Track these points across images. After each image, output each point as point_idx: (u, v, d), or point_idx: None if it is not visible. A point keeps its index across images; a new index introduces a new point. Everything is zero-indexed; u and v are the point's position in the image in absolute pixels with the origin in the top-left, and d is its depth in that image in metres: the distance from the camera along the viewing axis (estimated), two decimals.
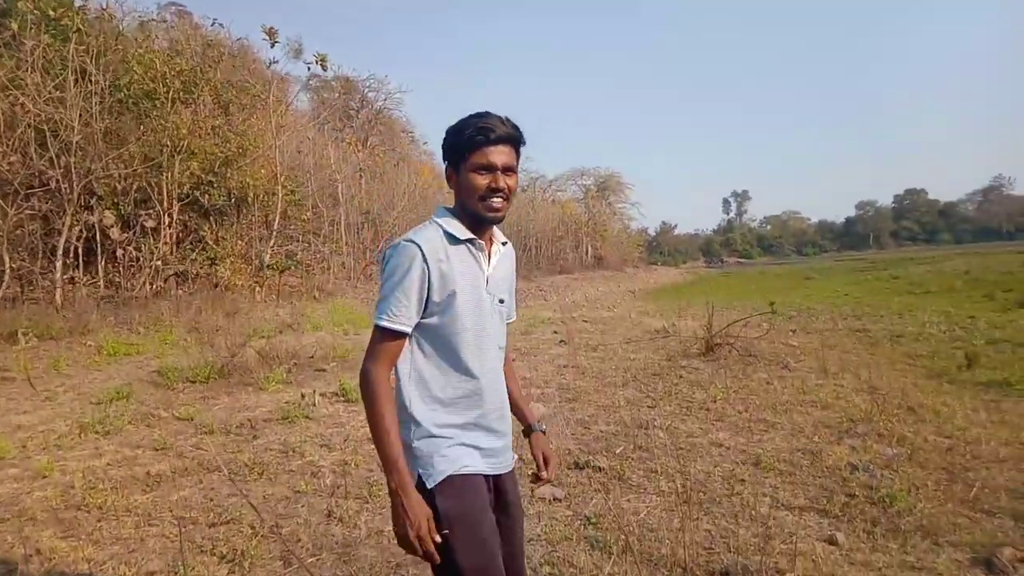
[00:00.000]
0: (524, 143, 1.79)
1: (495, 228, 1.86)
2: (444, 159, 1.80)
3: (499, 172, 1.70)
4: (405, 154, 35.37)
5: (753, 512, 3.47)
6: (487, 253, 1.80)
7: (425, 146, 42.19)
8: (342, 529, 3.44)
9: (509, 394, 1.95)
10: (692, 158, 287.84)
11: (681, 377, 7.25)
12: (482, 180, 1.70)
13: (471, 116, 1.74)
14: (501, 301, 1.83)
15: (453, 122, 1.78)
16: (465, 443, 1.73)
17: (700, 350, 8.78)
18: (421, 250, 1.65)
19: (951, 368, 7.48)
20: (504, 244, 1.90)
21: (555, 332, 11.86)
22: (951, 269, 31.48)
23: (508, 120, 1.75)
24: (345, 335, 11.73)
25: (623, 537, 3.11)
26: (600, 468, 4.21)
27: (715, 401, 6.07)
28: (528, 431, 2.03)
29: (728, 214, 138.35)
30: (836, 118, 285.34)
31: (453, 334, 1.71)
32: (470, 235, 1.74)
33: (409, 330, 1.68)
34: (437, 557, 1.59)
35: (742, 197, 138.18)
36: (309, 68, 17.87)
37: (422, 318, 1.70)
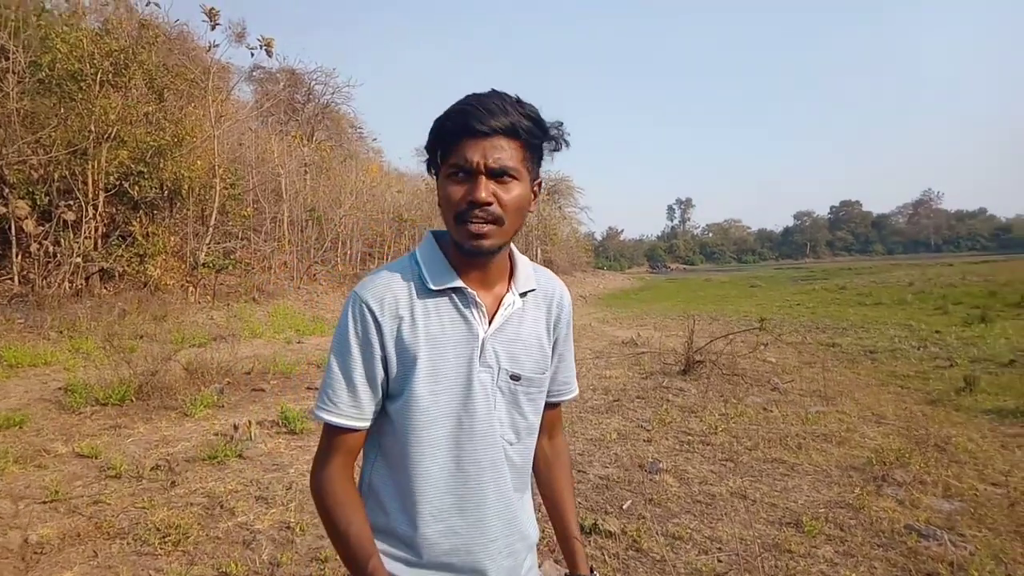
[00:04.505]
0: (545, 137, 1.17)
1: (520, 265, 1.26)
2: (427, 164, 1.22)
3: (482, 176, 1.09)
4: (353, 150, 33.99)
5: None
6: (487, 307, 1.19)
7: (374, 143, 40.84)
8: None
9: (556, 515, 1.40)
10: (639, 165, 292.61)
11: (668, 401, 6.52)
12: (457, 190, 1.11)
13: (462, 98, 1.15)
14: (516, 378, 1.21)
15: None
16: None
17: (680, 367, 8.11)
18: (367, 307, 1.14)
19: (948, 392, 6.98)
20: (528, 293, 1.25)
21: None
22: (894, 281, 32.02)
23: (513, 101, 1.12)
24: (287, 344, 10.67)
25: None
26: (611, 533, 3.41)
27: (715, 432, 5.36)
28: None
29: (672, 221, 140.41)
30: (777, 129, 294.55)
31: (410, 427, 1.16)
32: (455, 282, 1.16)
33: (359, 424, 1.16)
34: None
35: (686, 204, 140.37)
36: (253, 54, 16.73)
37: (387, 403, 1.19)
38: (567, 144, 1.20)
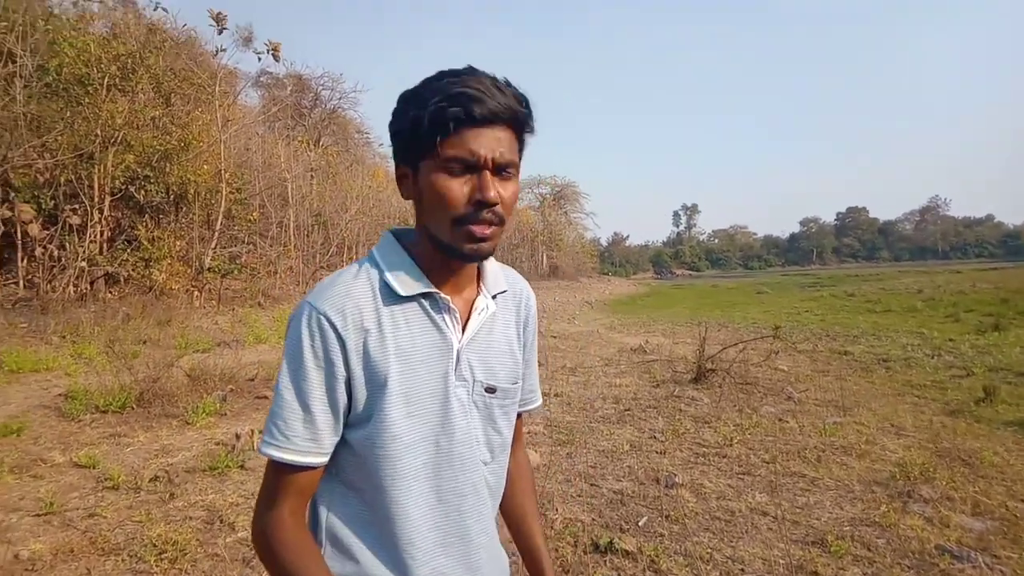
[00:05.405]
0: (531, 127, 1.02)
1: (488, 265, 1.12)
2: (394, 150, 1.03)
3: (488, 173, 0.94)
4: (359, 156, 34.00)
5: None
6: (459, 313, 1.05)
7: (380, 148, 40.80)
8: None
9: (521, 532, 1.27)
10: (645, 170, 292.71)
11: (681, 411, 6.37)
12: (458, 187, 0.94)
13: (441, 75, 0.97)
14: (491, 391, 1.07)
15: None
16: None
17: (691, 376, 7.96)
18: (326, 319, 0.96)
19: (967, 402, 6.80)
20: (498, 295, 1.13)
21: None
22: (903, 288, 31.71)
23: (505, 84, 0.97)
24: None
25: None
26: (628, 552, 3.25)
27: (731, 444, 5.20)
28: None
29: (678, 227, 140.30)
30: (784, 136, 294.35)
31: (381, 458, 0.99)
32: (426, 287, 1.02)
33: (315, 460, 0.98)
34: None
35: (692, 210, 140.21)
36: (260, 59, 16.63)
37: (347, 432, 1.01)
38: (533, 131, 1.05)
